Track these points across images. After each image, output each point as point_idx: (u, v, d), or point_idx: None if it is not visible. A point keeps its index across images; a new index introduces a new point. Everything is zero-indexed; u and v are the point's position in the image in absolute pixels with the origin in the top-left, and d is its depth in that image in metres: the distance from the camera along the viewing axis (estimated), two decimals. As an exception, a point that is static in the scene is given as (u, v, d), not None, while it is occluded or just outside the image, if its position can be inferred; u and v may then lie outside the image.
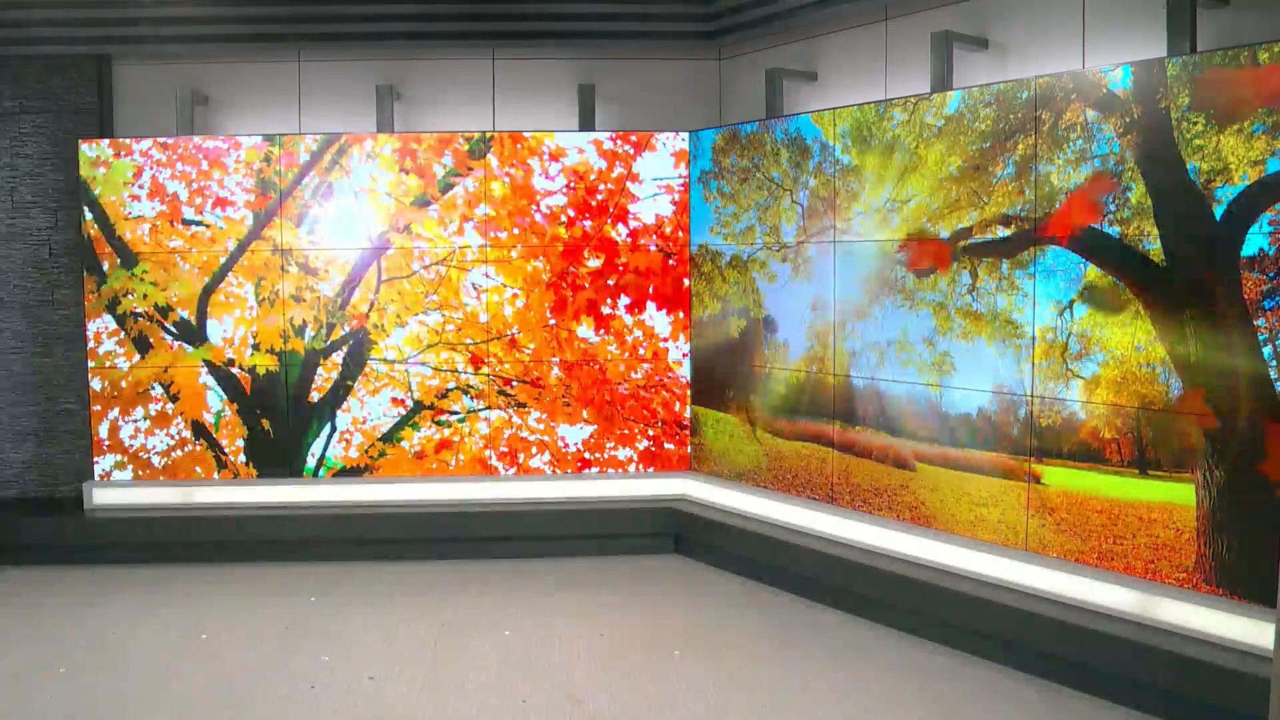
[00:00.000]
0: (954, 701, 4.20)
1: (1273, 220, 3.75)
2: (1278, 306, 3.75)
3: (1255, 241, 3.80)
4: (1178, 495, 4.07)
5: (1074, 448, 4.43)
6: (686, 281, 6.32)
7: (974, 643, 4.65)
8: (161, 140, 6.18)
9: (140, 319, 6.22)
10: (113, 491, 6.27)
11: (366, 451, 6.31)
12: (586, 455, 6.37)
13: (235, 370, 6.26)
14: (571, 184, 6.26)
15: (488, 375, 6.30)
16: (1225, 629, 3.91)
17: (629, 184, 6.27)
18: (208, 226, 6.20)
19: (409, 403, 6.30)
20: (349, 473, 6.32)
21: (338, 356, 6.28)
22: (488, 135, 6.25)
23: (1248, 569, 3.87)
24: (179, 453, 6.28)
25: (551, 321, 6.31)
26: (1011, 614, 4.46)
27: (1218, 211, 3.90)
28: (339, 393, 6.29)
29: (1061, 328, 4.45)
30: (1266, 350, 3.78)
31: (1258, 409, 3.81)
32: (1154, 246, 4.10)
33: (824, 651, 4.74)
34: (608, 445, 6.37)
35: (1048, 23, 4.90)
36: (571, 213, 6.27)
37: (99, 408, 6.26)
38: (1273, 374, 3.76)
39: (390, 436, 6.31)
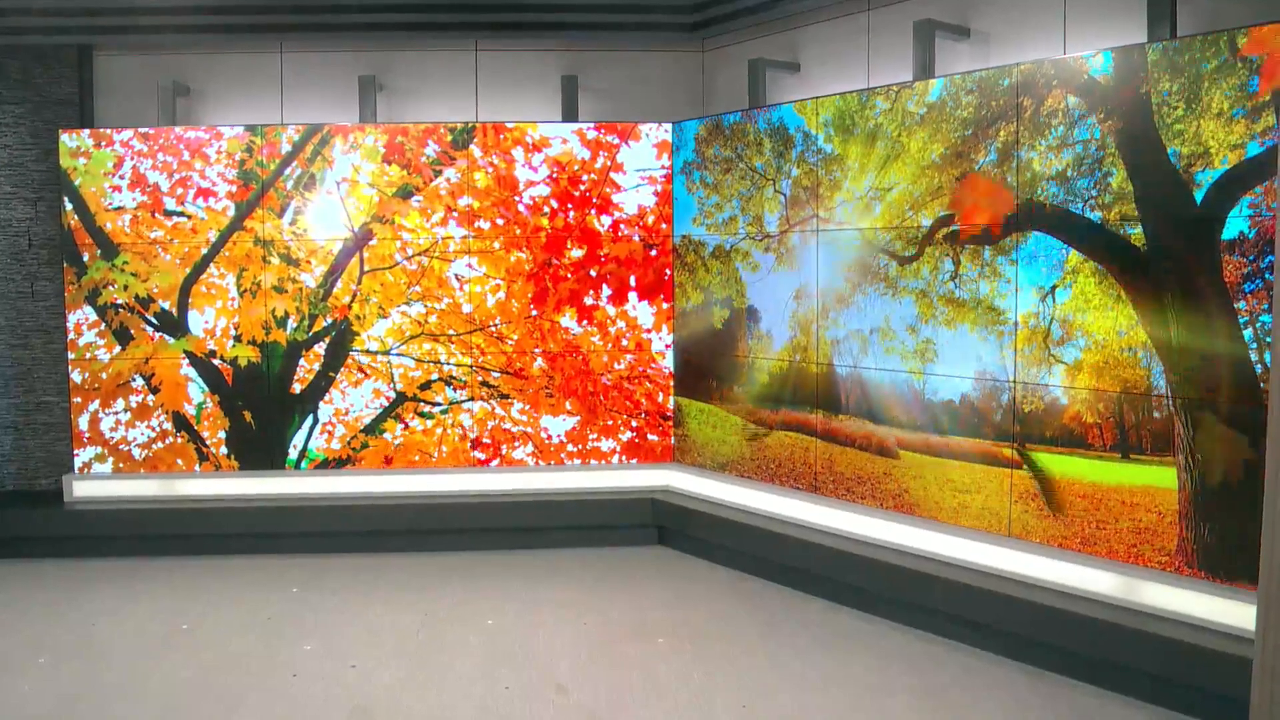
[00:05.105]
0: (939, 688, 4.21)
1: (1252, 204, 3.77)
2: (1258, 289, 3.76)
3: (1235, 225, 3.81)
4: (1160, 479, 4.08)
5: (1056, 433, 4.45)
6: (669, 272, 6.31)
7: (958, 629, 4.65)
8: (143, 130, 6.14)
9: (121, 310, 6.18)
10: (93, 484, 6.22)
11: (349, 443, 6.28)
12: (570, 447, 6.35)
13: (217, 362, 6.22)
14: (554, 175, 6.24)
15: (470, 367, 6.27)
16: (1207, 612, 3.93)
17: (612, 175, 6.26)
18: (189, 217, 6.16)
19: (391, 394, 6.27)
20: (331, 464, 6.28)
21: (320, 348, 6.24)
22: (471, 126, 6.22)
23: (1229, 552, 3.88)
24: (160, 445, 6.23)
25: (534, 312, 6.29)
26: (995, 600, 4.47)
27: (1198, 195, 3.92)
28: (321, 384, 6.26)
29: (1044, 313, 4.46)
30: (1247, 333, 3.79)
31: (1239, 391, 3.83)
32: (1135, 231, 4.12)
33: (808, 640, 4.74)
34: (591, 436, 6.35)
35: (1028, 11, 4.91)
36: (554, 203, 6.25)
37: (79, 400, 6.20)
38: (1253, 356, 3.78)
39: (372, 428, 6.28)
